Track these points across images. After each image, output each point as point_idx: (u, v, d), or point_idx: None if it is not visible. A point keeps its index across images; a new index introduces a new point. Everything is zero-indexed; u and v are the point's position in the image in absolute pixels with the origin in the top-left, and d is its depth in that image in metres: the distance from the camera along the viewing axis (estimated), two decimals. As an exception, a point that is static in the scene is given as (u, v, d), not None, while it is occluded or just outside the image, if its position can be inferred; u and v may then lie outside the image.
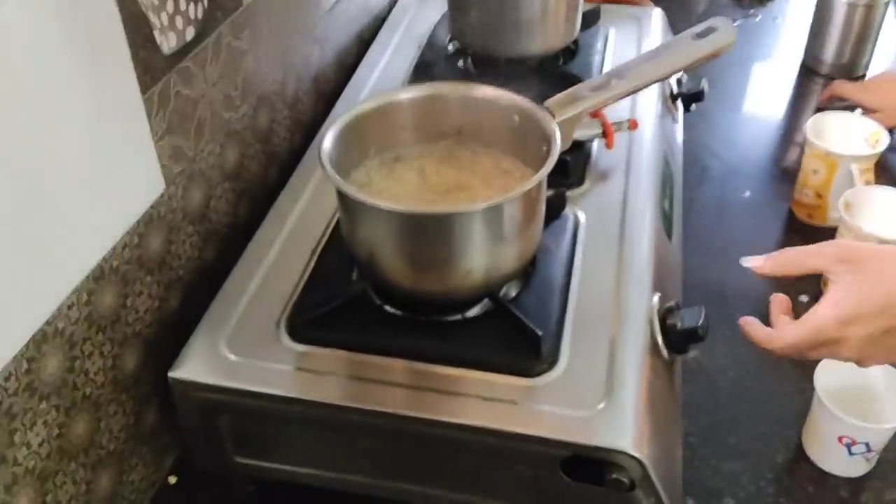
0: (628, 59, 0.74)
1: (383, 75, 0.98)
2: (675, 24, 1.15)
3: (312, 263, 0.72)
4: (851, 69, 1.25)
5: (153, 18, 0.62)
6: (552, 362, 0.63)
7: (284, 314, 0.67)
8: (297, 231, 0.76)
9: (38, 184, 0.52)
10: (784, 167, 1.09)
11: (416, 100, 0.70)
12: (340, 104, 0.94)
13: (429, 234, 0.60)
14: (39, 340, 0.55)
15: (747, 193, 1.04)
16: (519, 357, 0.62)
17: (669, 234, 0.83)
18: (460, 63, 0.98)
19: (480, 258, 0.61)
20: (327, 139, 0.63)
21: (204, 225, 0.74)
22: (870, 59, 1.25)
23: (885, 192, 0.92)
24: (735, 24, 1.16)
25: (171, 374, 0.63)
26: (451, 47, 1.01)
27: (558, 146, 0.62)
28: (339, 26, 1.00)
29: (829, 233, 0.93)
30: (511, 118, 0.69)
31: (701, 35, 0.69)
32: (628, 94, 0.70)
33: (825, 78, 1.26)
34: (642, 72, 0.69)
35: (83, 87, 0.55)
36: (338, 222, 0.75)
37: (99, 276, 0.60)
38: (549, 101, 0.69)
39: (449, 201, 0.66)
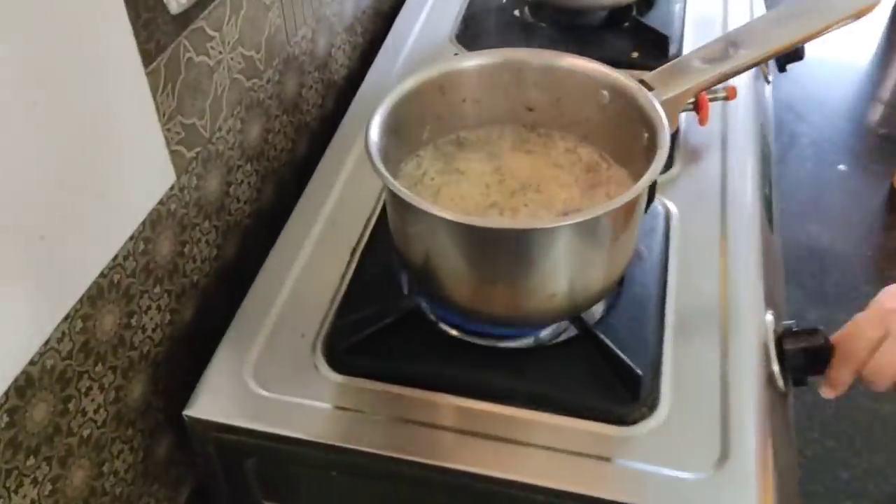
0: (739, 20, 0.60)
1: (426, 27, 0.84)
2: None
3: (353, 267, 0.60)
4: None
5: (157, -32, 0.48)
6: (652, 406, 0.51)
7: (321, 335, 0.55)
8: (333, 223, 0.64)
9: (10, 193, 0.40)
10: (883, 134, 0.95)
11: (480, 69, 0.57)
12: (380, 58, 0.80)
13: (503, 251, 0.48)
14: (22, 386, 0.43)
15: (842, 167, 0.91)
16: (611, 399, 0.51)
17: (772, 225, 0.70)
18: (516, 12, 0.84)
19: (566, 279, 0.49)
20: (374, 127, 0.50)
21: (222, 218, 0.62)
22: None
23: None
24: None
25: (186, 412, 0.52)
26: (505, -8, 0.87)
27: (667, 135, 0.49)
28: (376, -33, 0.86)
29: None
30: (598, 95, 0.55)
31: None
32: (749, 68, 0.57)
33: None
34: (768, 38, 0.55)
35: (67, 62, 0.42)
36: (383, 213, 0.63)
37: (96, 295, 0.48)
38: (651, 76, 0.56)
39: (522, 205, 0.53)
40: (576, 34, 0.81)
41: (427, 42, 0.82)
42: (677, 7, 0.84)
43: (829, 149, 0.93)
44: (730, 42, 0.56)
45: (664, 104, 0.53)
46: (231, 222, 0.63)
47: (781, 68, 0.87)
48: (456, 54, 0.77)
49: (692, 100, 0.68)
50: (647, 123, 0.52)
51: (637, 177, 0.47)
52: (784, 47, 0.56)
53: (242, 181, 0.64)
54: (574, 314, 0.53)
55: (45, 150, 0.42)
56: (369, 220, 0.64)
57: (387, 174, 0.48)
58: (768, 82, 0.85)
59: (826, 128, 0.96)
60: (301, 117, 0.73)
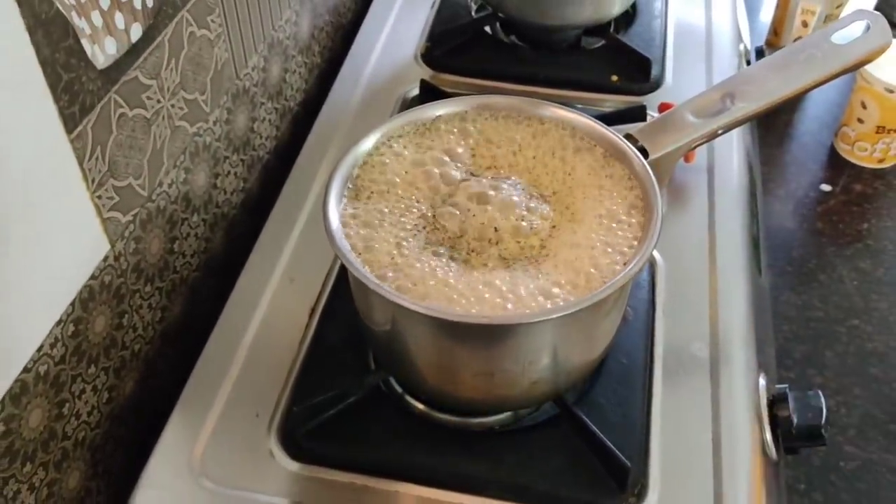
0: (722, 36, 0.55)
1: (389, 44, 0.78)
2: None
3: (312, 331, 0.55)
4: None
5: (78, 22, 0.42)
6: (640, 494, 0.47)
7: (276, 417, 0.50)
8: (290, 279, 0.58)
9: None
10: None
11: (447, 117, 0.52)
12: (339, 86, 0.74)
13: (479, 343, 0.43)
14: (17, 394, 0.38)
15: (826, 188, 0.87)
16: (595, 490, 0.46)
17: (760, 268, 0.66)
18: (487, 29, 0.79)
19: (550, 367, 0.44)
20: (331, 197, 0.45)
21: (166, 279, 0.56)
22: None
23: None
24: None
25: (127, 512, 0.47)
26: (474, 6, 0.81)
27: (658, 201, 0.45)
28: (335, -21, 0.79)
29: None
30: (595, 150, 0.50)
31: (844, 35, 0.51)
32: (748, 120, 0.52)
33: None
34: (767, 88, 0.50)
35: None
36: (344, 268, 0.58)
37: (18, 393, 0.42)
38: (640, 131, 0.51)
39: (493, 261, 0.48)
40: (551, 54, 0.76)
41: (390, 63, 0.76)
42: (657, 23, 0.79)
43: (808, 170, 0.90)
44: (726, 93, 0.52)
45: (654, 163, 0.48)
46: (177, 280, 0.57)
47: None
48: (423, 82, 0.71)
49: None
50: (634, 184, 0.47)
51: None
52: (786, 97, 0.51)
53: (189, 234, 0.58)
54: (557, 396, 0.48)
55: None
56: (330, 273, 0.59)
57: (352, 261, 0.42)
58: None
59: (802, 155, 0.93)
60: (254, 153, 0.67)
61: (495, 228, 0.45)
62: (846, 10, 0.97)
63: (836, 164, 0.89)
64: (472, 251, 0.45)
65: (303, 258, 0.60)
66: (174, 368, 0.56)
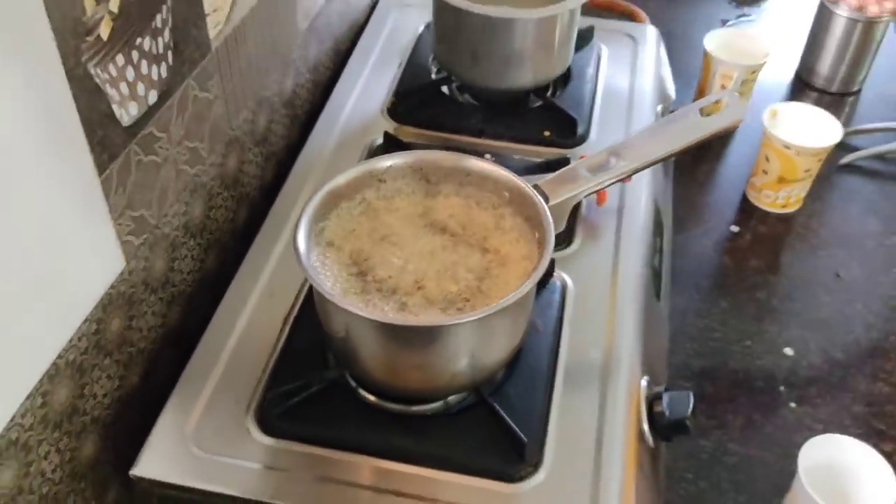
0: (643, 100, 0.69)
1: (360, 100, 0.92)
2: (662, 18, 1.10)
3: (285, 335, 0.68)
4: (847, 84, 1.21)
5: (111, 92, 0.56)
6: (536, 464, 0.60)
7: (254, 402, 0.63)
8: (270, 293, 0.72)
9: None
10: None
11: (395, 169, 0.65)
12: (316, 134, 0.88)
13: (407, 341, 0.56)
14: (-12, 460, 0.51)
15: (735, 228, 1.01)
16: (501, 460, 0.59)
17: (658, 294, 0.80)
18: (444, 89, 0.93)
19: (464, 360, 0.58)
20: (301, 230, 0.58)
21: (168, 290, 0.69)
22: (866, 76, 1.21)
23: (804, 107, 1.01)
24: (728, 24, 1.12)
25: (132, 472, 0.59)
26: (434, 69, 0.95)
27: (551, 237, 0.58)
28: (316, 44, 0.93)
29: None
30: (502, 194, 0.64)
31: (708, 111, 0.65)
32: (629, 175, 0.66)
33: (819, 91, 1.22)
34: (644, 151, 0.65)
35: (29, 180, 0.50)
36: (311, 288, 0.71)
37: (54, 374, 0.55)
38: (545, 183, 0.64)
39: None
40: (497, 111, 0.90)
41: (360, 115, 0.90)
42: (588, 86, 0.93)
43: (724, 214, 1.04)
44: (612, 153, 0.65)
45: (553, 208, 0.62)
46: (175, 293, 0.71)
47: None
48: (386, 133, 0.85)
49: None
50: (537, 223, 0.61)
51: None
52: (658, 159, 0.65)
53: (186, 255, 0.71)
54: (473, 387, 0.61)
55: (8, 253, 0.49)
56: (301, 289, 0.72)
57: (309, 271, 0.56)
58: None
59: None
60: (242, 189, 0.81)
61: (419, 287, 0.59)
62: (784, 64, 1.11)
63: (746, 209, 1.03)
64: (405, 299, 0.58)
65: (280, 277, 0.73)
66: (171, 363, 0.69)
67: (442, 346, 0.56)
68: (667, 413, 0.65)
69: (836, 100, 1.21)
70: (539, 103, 0.91)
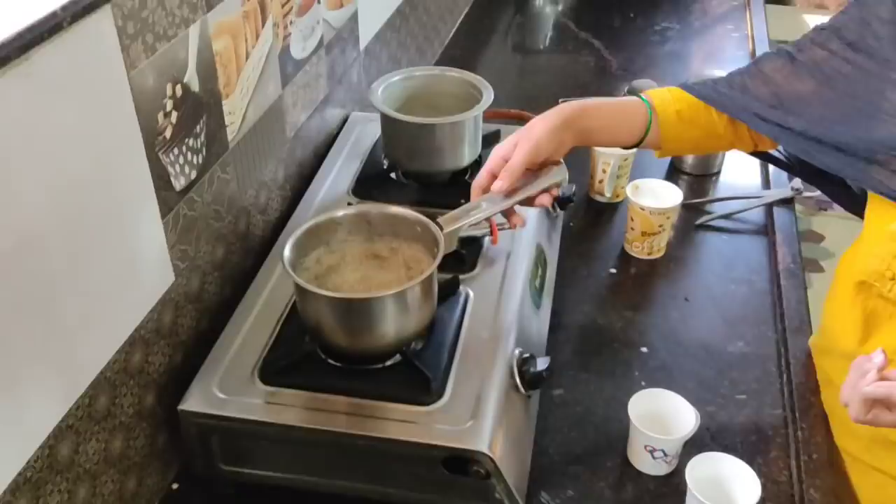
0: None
1: (333, 184, 1.30)
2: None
3: (278, 329, 1.02)
4: (706, 168, 1.59)
5: (170, 169, 0.93)
6: (439, 396, 0.93)
7: (257, 366, 0.97)
8: (266, 306, 1.06)
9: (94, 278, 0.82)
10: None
11: (348, 216, 1.01)
12: (300, 208, 1.25)
13: (352, 312, 0.91)
14: (95, 384, 0.84)
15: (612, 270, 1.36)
16: (417, 393, 0.93)
17: (538, 305, 1.14)
18: (393, 175, 1.30)
19: (392, 330, 0.92)
20: (287, 248, 0.94)
21: (200, 303, 1.04)
22: (721, 162, 1.59)
23: (656, 181, 1.38)
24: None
25: (180, 407, 0.92)
26: (385, 163, 1.33)
27: (442, 252, 0.93)
28: (300, 147, 1.32)
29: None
30: (415, 229, 1.00)
31: (541, 172, 1.02)
32: (492, 215, 1.01)
33: (690, 175, 1.60)
34: (500, 200, 1.00)
35: (127, 217, 0.86)
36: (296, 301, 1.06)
37: (132, 342, 0.89)
38: (441, 218, 0.99)
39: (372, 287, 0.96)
40: (430, 188, 1.27)
41: (332, 194, 1.27)
42: (495, 169, 1.30)
43: (603, 260, 1.39)
44: (484, 199, 1.01)
45: (446, 235, 0.97)
46: (204, 307, 1.05)
47: (562, 207, 1.34)
48: (349, 203, 1.22)
49: (489, 229, 1.12)
50: (436, 245, 0.96)
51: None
52: (508, 206, 1.00)
53: (212, 283, 1.07)
54: (400, 349, 0.95)
55: (113, 260, 0.85)
56: (288, 304, 1.06)
57: (291, 271, 0.91)
58: (555, 216, 1.32)
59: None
60: (250, 242, 1.16)
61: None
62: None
63: (622, 256, 1.39)
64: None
65: (274, 295, 1.07)
66: (203, 348, 1.02)
67: (373, 317, 0.90)
68: (530, 370, 0.98)
69: (700, 179, 1.58)
70: (459, 182, 1.28)
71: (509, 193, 1.00)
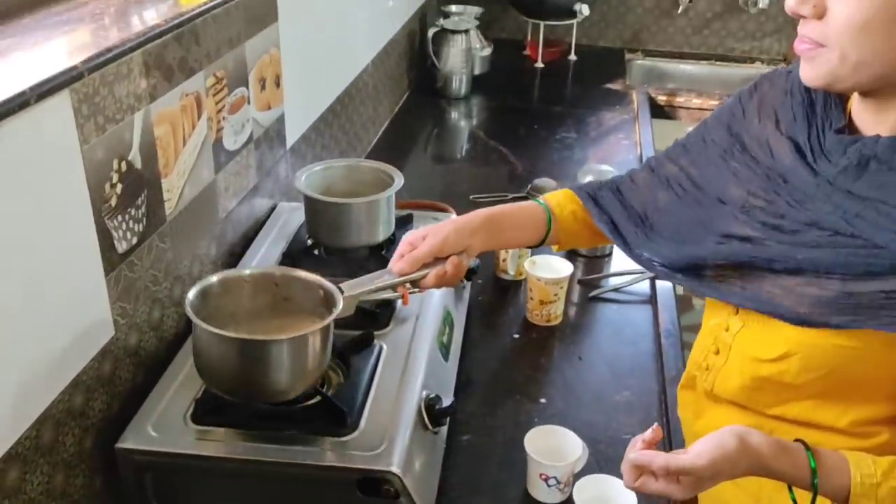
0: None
1: (261, 261, 1.43)
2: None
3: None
4: (601, 249, 1.79)
5: (114, 233, 1.06)
6: (354, 428, 1.05)
7: (189, 409, 1.07)
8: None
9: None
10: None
11: (255, 275, 1.15)
12: (231, 281, 1.38)
13: (245, 352, 1.02)
14: (42, 419, 0.93)
15: (516, 335, 1.52)
16: (334, 425, 1.04)
17: (445, 358, 1.28)
18: (316, 251, 1.45)
19: (298, 374, 1.04)
20: (191, 293, 1.05)
21: (137, 358, 1.14)
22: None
23: (551, 257, 1.54)
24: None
25: (117, 445, 1.02)
26: (309, 241, 1.48)
27: (337, 312, 1.05)
28: (231, 228, 1.46)
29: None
30: (318, 291, 1.13)
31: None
32: (391, 286, 1.15)
33: (585, 257, 1.78)
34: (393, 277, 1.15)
35: (71, 276, 0.98)
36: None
37: (76, 385, 0.99)
38: (344, 283, 1.12)
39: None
40: (349, 262, 1.42)
41: (266, 262, 1.41)
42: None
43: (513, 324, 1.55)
44: (385, 272, 1.15)
45: (345, 298, 1.10)
46: (140, 361, 1.16)
47: (467, 278, 1.50)
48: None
49: (400, 294, 1.27)
50: (336, 306, 1.09)
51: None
52: (408, 280, 1.16)
53: (148, 340, 1.17)
54: (304, 392, 1.06)
55: (57, 314, 0.96)
56: (219, 359, 1.17)
57: (190, 311, 1.03)
58: (463, 285, 1.48)
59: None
60: (182, 308, 1.28)
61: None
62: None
63: (524, 323, 1.55)
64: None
65: (206, 354, 1.19)
66: (140, 396, 1.11)
67: (264, 359, 1.02)
68: (435, 407, 1.11)
69: (594, 260, 1.77)
70: (375, 257, 1.43)
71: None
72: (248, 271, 1.14)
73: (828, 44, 0.78)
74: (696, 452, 0.81)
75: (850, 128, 0.86)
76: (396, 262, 1.10)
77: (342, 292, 1.08)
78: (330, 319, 1.03)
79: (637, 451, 0.86)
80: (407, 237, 1.14)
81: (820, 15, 0.78)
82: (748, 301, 0.89)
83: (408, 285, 1.14)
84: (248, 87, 1.45)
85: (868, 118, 0.84)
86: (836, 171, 0.83)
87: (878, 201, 0.79)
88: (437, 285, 1.11)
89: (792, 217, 0.86)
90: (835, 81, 0.80)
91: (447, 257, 1.10)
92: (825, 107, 0.87)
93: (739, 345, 0.92)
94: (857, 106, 0.86)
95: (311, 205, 1.41)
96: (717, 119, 1.05)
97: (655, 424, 0.89)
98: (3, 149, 0.85)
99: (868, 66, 0.77)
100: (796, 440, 0.83)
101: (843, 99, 0.87)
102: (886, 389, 0.84)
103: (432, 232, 1.11)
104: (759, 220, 0.89)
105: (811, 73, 0.81)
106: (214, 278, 1.09)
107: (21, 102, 0.86)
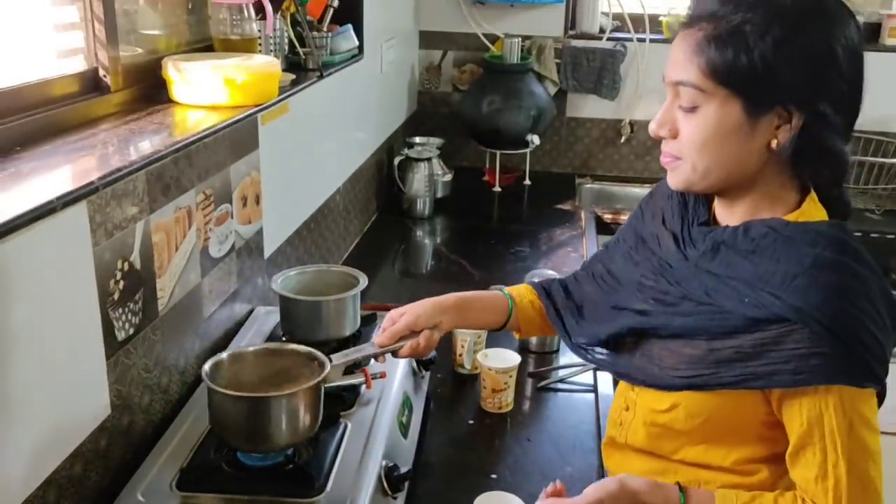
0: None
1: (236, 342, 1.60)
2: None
3: (191, 455, 1.28)
4: (549, 345, 1.97)
5: (115, 323, 1.23)
6: (321, 491, 1.19)
7: (175, 478, 1.21)
8: (183, 440, 1.32)
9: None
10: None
11: (258, 351, 1.32)
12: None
13: (248, 408, 1.19)
14: (49, 480, 1.07)
15: (471, 421, 1.67)
16: (305, 489, 1.19)
17: (405, 436, 1.44)
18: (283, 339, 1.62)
19: (278, 427, 1.20)
20: (207, 366, 1.22)
21: (128, 438, 1.29)
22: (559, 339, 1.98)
23: (501, 351, 1.71)
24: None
25: (111, 509, 1.15)
26: (284, 338, 1.65)
27: (326, 372, 1.24)
28: (214, 326, 1.63)
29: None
30: (311, 361, 1.30)
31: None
32: (370, 357, 1.33)
33: (535, 353, 1.96)
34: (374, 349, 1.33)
35: (79, 356, 1.14)
36: (210, 429, 1.32)
37: (76, 454, 1.14)
38: (333, 355, 1.30)
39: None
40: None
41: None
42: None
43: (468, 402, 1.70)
44: (369, 344, 1.33)
45: (332, 367, 1.28)
46: (134, 437, 1.30)
47: (425, 367, 1.67)
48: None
49: (363, 378, 1.44)
50: (324, 370, 1.26)
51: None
52: (388, 351, 1.34)
53: (142, 420, 1.32)
54: (285, 449, 1.22)
55: (62, 391, 1.12)
56: (201, 435, 1.32)
57: (209, 381, 1.19)
58: (422, 375, 1.65)
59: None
60: (169, 395, 1.43)
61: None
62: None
63: (479, 411, 1.71)
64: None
65: (194, 427, 1.33)
66: (129, 470, 1.25)
67: (263, 414, 1.18)
68: (394, 474, 1.26)
69: (543, 355, 1.95)
70: (338, 347, 1.60)
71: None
72: (251, 348, 1.32)
73: (682, 157, 1.02)
74: (584, 494, 0.99)
75: (715, 221, 1.08)
76: (378, 337, 1.29)
77: (331, 361, 1.26)
78: (319, 378, 1.21)
79: (540, 500, 1.06)
80: (390, 313, 1.33)
81: (675, 135, 1.02)
82: (628, 374, 1.13)
83: (388, 355, 1.33)
84: (231, 204, 1.66)
85: (723, 212, 1.07)
86: (699, 255, 1.05)
87: (727, 277, 1.00)
88: (411, 355, 1.29)
89: (672, 293, 1.07)
90: (691, 185, 1.03)
91: (421, 331, 1.27)
92: (695, 205, 1.10)
93: (642, 400, 1.11)
94: (716, 203, 1.09)
95: (286, 303, 1.59)
96: (628, 222, 1.28)
97: (557, 480, 1.08)
98: (33, 246, 1.04)
99: (712, 172, 1.00)
100: (677, 483, 1.01)
101: (708, 199, 1.10)
102: (754, 432, 1.02)
103: (409, 310, 1.29)
104: (651, 296, 1.09)
105: (673, 180, 1.05)
106: (224, 354, 1.27)
107: (49, 209, 1.05)
